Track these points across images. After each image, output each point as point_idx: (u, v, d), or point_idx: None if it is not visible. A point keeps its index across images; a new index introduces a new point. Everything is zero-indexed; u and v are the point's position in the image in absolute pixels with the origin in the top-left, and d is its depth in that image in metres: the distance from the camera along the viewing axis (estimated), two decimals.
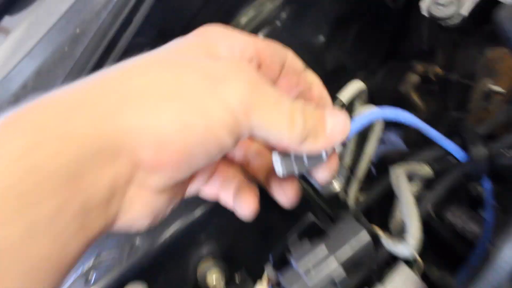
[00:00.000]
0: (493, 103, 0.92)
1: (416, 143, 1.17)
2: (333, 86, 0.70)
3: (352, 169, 0.99)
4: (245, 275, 0.78)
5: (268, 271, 0.66)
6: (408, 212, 0.62)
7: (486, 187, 0.80)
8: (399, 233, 0.64)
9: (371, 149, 0.87)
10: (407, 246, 0.59)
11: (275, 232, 0.82)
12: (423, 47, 1.33)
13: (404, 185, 0.66)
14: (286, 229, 0.70)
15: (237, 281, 0.78)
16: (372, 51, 1.40)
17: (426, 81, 1.12)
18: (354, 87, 0.76)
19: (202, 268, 0.76)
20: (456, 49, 1.12)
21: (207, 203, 0.75)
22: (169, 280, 0.77)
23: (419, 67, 1.07)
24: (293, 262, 0.60)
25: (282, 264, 0.65)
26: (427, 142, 1.13)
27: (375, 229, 0.65)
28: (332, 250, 0.59)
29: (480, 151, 0.74)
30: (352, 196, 0.93)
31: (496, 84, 0.89)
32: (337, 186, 0.71)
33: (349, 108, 0.78)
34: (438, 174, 0.79)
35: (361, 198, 1.00)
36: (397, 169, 0.69)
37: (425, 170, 0.78)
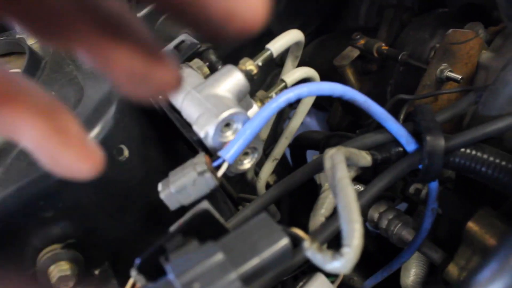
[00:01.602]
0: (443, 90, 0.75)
1: (339, 127, 0.99)
2: (254, 52, 0.57)
3: (266, 145, 0.78)
4: (108, 273, 0.54)
5: (135, 278, 0.43)
6: (348, 215, 0.42)
7: (432, 186, 0.62)
8: (320, 236, 0.51)
9: (296, 123, 0.66)
10: (345, 262, 0.39)
11: (163, 214, 0.59)
12: (365, 23, 1.17)
13: (344, 174, 0.45)
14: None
15: (95, 279, 0.54)
16: (305, 21, 1.22)
17: (363, 58, 0.94)
18: (290, 36, 0.54)
19: (45, 258, 0.51)
20: (404, 29, 0.96)
21: None
22: None
23: (361, 40, 0.88)
24: (169, 271, 0.37)
25: (155, 270, 0.42)
26: (356, 126, 0.95)
27: (297, 233, 0.43)
28: (232, 257, 0.37)
29: (438, 142, 0.55)
30: (264, 178, 0.72)
31: (452, 70, 0.72)
32: (247, 163, 0.49)
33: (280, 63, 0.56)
34: (378, 164, 0.60)
35: (272, 182, 0.80)
36: (335, 152, 0.48)
37: (365, 158, 0.58)
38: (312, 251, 0.43)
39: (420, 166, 0.58)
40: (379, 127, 0.75)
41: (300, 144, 0.87)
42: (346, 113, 0.97)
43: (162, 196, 0.46)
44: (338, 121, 0.96)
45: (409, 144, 0.59)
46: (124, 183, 0.55)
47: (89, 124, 0.53)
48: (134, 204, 0.57)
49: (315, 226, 0.58)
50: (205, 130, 0.47)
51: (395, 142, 0.60)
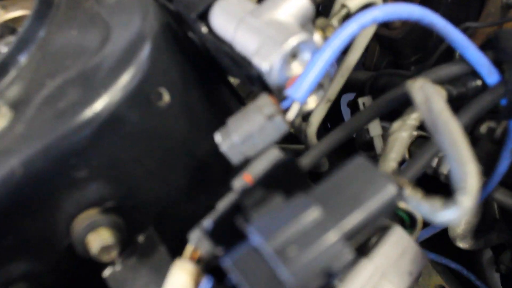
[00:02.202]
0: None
1: (377, 68, 0.90)
2: None
3: None
4: (155, 238, 0.46)
5: (198, 244, 0.35)
6: (459, 154, 0.33)
7: None
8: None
9: (354, 58, 0.57)
10: (461, 211, 0.31)
11: (210, 169, 0.51)
12: None
13: (444, 107, 0.36)
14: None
15: (139, 246, 0.46)
16: None
17: None
18: None
19: (81, 224, 0.43)
20: None
21: (92, 112, 0.41)
22: (19, 242, 0.43)
23: None
24: (253, 233, 0.29)
25: (226, 233, 0.34)
26: (395, 66, 0.85)
27: (395, 178, 0.35)
28: (331, 211, 0.29)
29: None
30: (316, 123, 0.63)
31: None
32: (312, 101, 0.40)
33: None
34: (451, 101, 0.51)
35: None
36: (425, 82, 0.39)
37: (442, 92, 0.50)
38: (417, 200, 0.35)
39: (503, 102, 0.50)
40: (439, 62, 0.66)
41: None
42: (384, 53, 0.87)
43: (224, 147, 0.38)
44: (376, 62, 0.87)
45: (491, 76, 0.50)
46: (165, 134, 0.47)
47: (121, 67, 0.44)
48: (178, 159, 0.48)
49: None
50: (270, 61, 0.38)
51: (472, 74, 0.52)
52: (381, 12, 0.42)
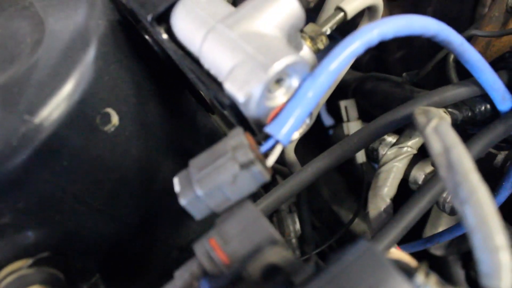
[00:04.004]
0: None
1: (359, 63, 0.78)
2: None
3: None
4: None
5: None
6: (489, 237, 0.24)
7: None
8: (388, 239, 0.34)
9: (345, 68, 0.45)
10: None
11: (169, 201, 0.40)
12: None
13: (471, 166, 0.26)
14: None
15: None
16: None
17: None
18: None
19: (6, 283, 0.31)
20: None
21: (14, 142, 0.29)
22: None
23: None
24: None
25: None
26: (378, 62, 0.75)
27: (402, 260, 0.25)
28: None
29: None
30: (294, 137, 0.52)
31: None
32: (297, 133, 0.29)
33: None
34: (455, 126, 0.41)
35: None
36: (442, 123, 0.29)
37: (446, 119, 0.40)
38: None
39: None
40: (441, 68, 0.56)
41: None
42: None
43: (184, 201, 0.27)
44: (357, 57, 0.76)
45: (505, 101, 0.40)
46: (114, 164, 0.35)
47: (55, 80, 0.32)
48: (131, 190, 0.37)
49: (377, 211, 0.40)
50: (247, 91, 0.27)
51: (481, 97, 0.42)
52: (391, 27, 0.31)
